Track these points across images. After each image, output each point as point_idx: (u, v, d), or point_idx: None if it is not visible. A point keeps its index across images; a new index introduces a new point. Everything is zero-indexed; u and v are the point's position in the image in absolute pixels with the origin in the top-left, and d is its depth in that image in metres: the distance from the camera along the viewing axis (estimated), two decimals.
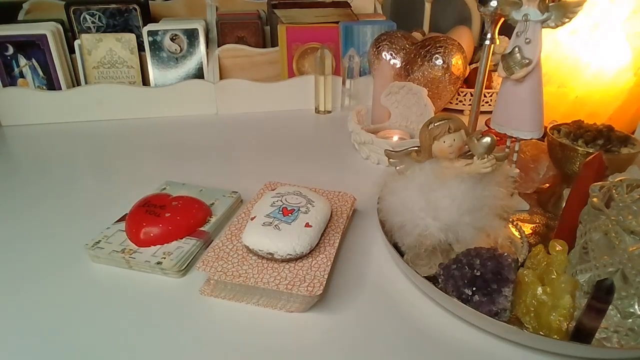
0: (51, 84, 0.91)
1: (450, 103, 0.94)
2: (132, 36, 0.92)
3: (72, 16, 0.94)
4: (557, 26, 0.50)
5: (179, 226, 0.52)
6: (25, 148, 0.81)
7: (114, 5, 0.95)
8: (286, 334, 0.41)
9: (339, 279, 0.48)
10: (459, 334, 0.41)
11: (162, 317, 0.43)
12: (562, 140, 0.55)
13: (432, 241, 0.45)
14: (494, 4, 0.56)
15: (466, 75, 0.88)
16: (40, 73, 0.90)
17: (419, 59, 0.84)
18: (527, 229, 0.55)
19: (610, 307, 0.37)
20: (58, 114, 0.89)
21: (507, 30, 0.57)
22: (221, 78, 0.95)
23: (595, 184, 0.43)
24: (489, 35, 0.61)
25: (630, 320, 0.39)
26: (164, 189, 0.61)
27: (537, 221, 0.57)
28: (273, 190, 0.55)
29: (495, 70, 0.85)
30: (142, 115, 0.93)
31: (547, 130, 0.58)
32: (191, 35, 0.94)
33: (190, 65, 0.96)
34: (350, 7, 1.05)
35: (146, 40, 0.92)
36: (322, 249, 0.48)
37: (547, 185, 0.63)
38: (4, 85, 0.89)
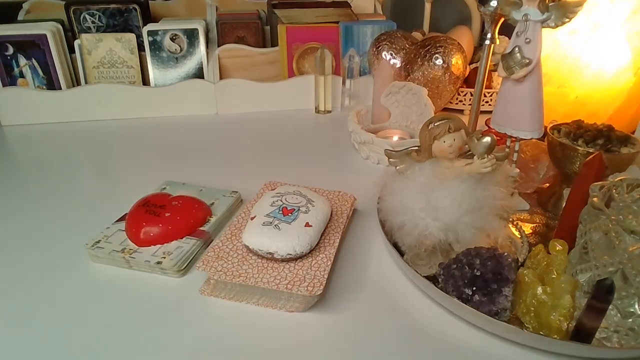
0: (51, 84, 0.91)
1: (450, 103, 0.94)
2: (132, 36, 0.92)
3: (72, 16, 0.94)
4: (557, 26, 0.50)
5: (179, 226, 0.52)
6: (25, 148, 0.81)
7: (114, 5, 0.95)
8: (286, 334, 0.41)
9: (339, 279, 0.48)
10: (459, 334, 0.41)
11: (162, 317, 0.43)
12: (562, 140, 0.55)
13: (432, 241, 0.45)
14: (494, 4, 0.56)
15: (466, 75, 0.88)
16: (40, 73, 0.90)
17: (419, 59, 0.84)
18: (527, 229, 0.55)
19: (610, 307, 0.37)
20: (58, 114, 0.89)
21: (507, 30, 0.57)
22: (221, 78, 0.95)
23: (595, 184, 0.43)
24: (489, 35, 0.61)
25: (630, 320, 0.39)
26: (164, 188, 0.61)
27: (537, 221, 0.57)
28: (273, 190, 0.55)
29: (495, 70, 0.85)
30: (142, 115, 0.93)
31: (547, 130, 0.58)
32: (191, 35, 0.94)
33: (190, 65, 0.96)
34: (350, 7, 1.05)
35: (146, 40, 0.92)
36: (322, 249, 0.48)
37: (547, 185, 0.63)
38: (4, 85, 0.89)
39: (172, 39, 0.93)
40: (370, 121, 0.84)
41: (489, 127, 0.63)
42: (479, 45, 1.00)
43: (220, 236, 0.50)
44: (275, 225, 0.47)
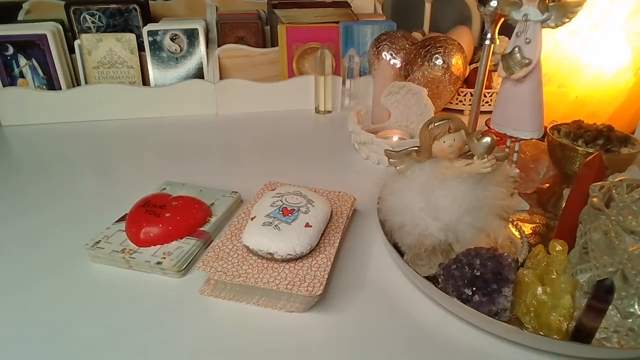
0: (51, 84, 0.91)
1: (450, 103, 0.94)
2: (132, 36, 0.92)
3: (72, 16, 0.94)
4: (557, 26, 0.50)
5: (179, 226, 0.52)
6: (25, 148, 0.81)
7: (114, 5, 0.95)
8: (286, 334, 0.41)
9: (339, 279, 0.48)
10: (459, 334, 0.41)
11: (162, 317, 0.43)
12: (562, 140, 0.55)
13: (432, 241, 0.45)
14: (494, 4, 0.56)
15: (466, 75, 0.88)
16: (40, 73, 0.90)
17: (419, 59, 0.84)
18: (527, 229, 0.55)
19: (610, 307, 0.37)
20: (58, 114, 0.89)
21: (507, 30, 0.57)
22: (221, 78, 0.95)
23: (595, 184, 0.43)
24: (489, 35, 0.61)
25: (630, 320, 0.39)
26: (164, 189, 0.61)
27: (537, 221, 0.57)
28: (273, 190, 0.55)
29: (495, 70, 0.85)
30: (142, 115, 0.93)
31: (547, 130, 0.58)
32: (191, 35, 0.94)
33: (190, 65, 0.96)
34: (350, 7, 1.05)
35: (146, 40, 0.92)
36: (322, 249, 0.48)
37: (547, 185, 0.63)
38: (4, 85, 0.89)
39: (172, 39, 0.93)
40: (370, 121, 0.84)
41: (489, 127, 0.63)
42: (479, 45, 1.00)
43: (220, 236, 0.50)
44: (275, 226, 0.47)
